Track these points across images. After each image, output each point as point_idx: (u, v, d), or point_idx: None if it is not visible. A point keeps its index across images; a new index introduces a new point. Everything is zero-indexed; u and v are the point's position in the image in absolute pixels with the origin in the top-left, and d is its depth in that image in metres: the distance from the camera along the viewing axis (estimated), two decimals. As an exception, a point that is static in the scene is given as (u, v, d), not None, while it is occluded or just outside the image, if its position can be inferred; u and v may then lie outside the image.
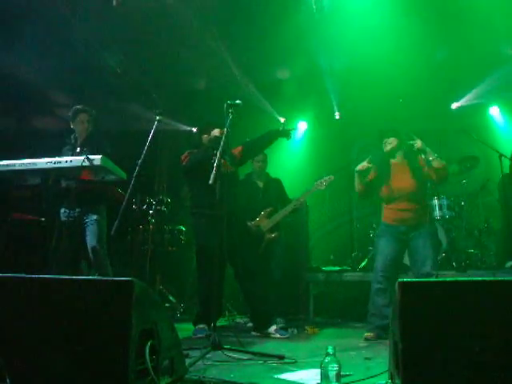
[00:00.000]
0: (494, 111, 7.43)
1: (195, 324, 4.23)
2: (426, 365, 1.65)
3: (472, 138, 5.72)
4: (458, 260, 5.42)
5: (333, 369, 2.08)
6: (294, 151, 7.67)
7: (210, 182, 3.23)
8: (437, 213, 5.60)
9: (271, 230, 4.88)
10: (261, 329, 4.19)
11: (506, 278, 1.75)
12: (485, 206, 6.21)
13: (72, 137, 4.31)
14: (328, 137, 7.49)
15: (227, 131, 3.53)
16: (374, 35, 5.49)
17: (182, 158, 4.34)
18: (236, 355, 3.06)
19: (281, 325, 4.39)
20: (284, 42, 5.70)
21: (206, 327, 4.08)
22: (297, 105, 7.22)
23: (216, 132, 4.16)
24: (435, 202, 5.64)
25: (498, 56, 6.22)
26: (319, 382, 2.16)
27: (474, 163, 5.91)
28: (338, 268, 5.71)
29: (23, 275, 2.07)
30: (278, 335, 4.09)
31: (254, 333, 4.25)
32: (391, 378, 2.04)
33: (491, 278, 1.76)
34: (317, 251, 6.51)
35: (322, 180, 4.90)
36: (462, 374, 1.62)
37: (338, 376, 2.09)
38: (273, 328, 4.13)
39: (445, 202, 5.64)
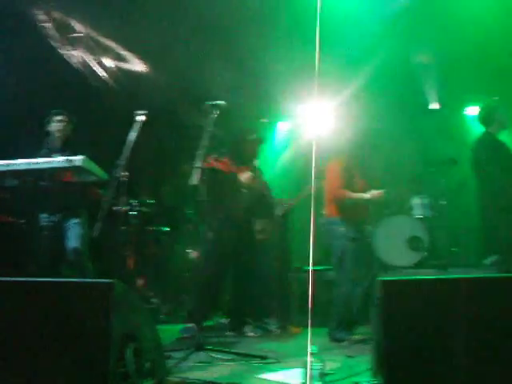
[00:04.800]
0: (471, 111, 7.54)
1: (185, 322, 4.27)
2: (408, 363, 1.66)
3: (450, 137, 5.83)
4: (439, 258, 5.49)
5: (316, 368, 2.09)
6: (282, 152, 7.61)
7: (193, 182, 3.22)
8: (418, 212, 5.65)
9: (261, 232, 4.89)
10: (236, 328, 4.26)
11: (483, 275, 1.77)
12: (465, 204, 6.29)
13: (48, 140, 4.23)
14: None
15: (210, 131, 3.50)
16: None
17: None
18: (219, 356, 3.06)
19: (263, 324, 4.43)
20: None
21: (195, 326, 4.09)
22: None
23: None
24: (415, 201, 5.69)
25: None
26: (302, 381, 2.17)
27: (452, 164, 6.00)
28: (321, 267, 5.74)
29: (4, 278, 2.03)
30: (253, 334, 4.15)
31: (229, 333, 4.28)
32: (374, 375, 2.05)
33: (470, 276, 1.78)
34: (301, 251, 6.52)
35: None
36: (444, 372, 1.63)
37: (322, 375, 2.10)
38: (248, 327, 4.19)
39: (426, 201, 5.69)
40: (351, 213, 4.22)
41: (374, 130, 4.53)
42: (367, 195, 4.20)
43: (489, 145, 4.48)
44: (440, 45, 5.99)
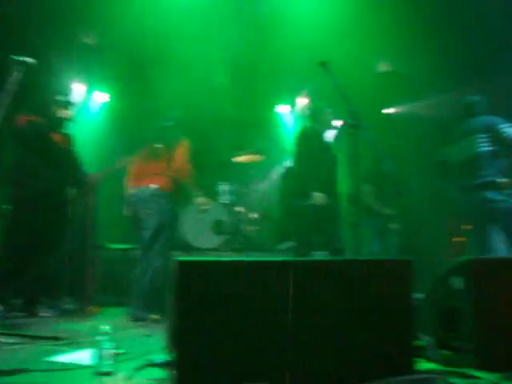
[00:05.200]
0: (282, 109, 8.22)
1: None
2: (199, 341, 1.74)
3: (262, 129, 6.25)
4: (238, 242, 5.89)
5: (108, 347, 2.07)
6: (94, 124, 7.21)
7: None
8: (223, 197, 5.96)
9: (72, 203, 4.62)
10: (27, 308, 3.99)
11: (276, 258, 1.95)
12: (267, 192, 6.86)
13: None
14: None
15: (12, 90, 3.13)
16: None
17: None
18: (4, 339, 2.80)
19: (58, 303, 4.22)
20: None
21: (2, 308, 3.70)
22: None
23: None
24: (222, 187, 6.00)
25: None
26: (93, 361, 2.13)
27: (260, 154, 6.47)
28: (124, 246, 5.66)
29: None
30: (46, 314, 3.95)
31: (19, 313, 3.98)
32: (167, 354, 2.12)
33: (265, 259, 1.94)
34: (105, 228, 6.29)
35: (123, 159, 4.78)
36: (235, 351, 1.75)
37: (113, 354, 2.09)
38: (42, 307, 3.97)
39: (232, 188, 6.04)
40: (179, 192, 4.30)
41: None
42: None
43: (304, 134, 4.83)
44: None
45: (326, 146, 4.63)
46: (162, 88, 5.91)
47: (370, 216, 5.83)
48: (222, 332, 1.75)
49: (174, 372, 1.70)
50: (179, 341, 1.76)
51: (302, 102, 7.76)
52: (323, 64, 3.16)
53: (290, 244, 6.12)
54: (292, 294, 1.80)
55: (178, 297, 1.72)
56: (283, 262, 1.87)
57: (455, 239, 6.43)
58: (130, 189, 4.27)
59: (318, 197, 4.35)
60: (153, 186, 4.15)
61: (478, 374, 1.88)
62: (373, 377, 1.76)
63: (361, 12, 5.75)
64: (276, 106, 8.11)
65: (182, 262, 1.72)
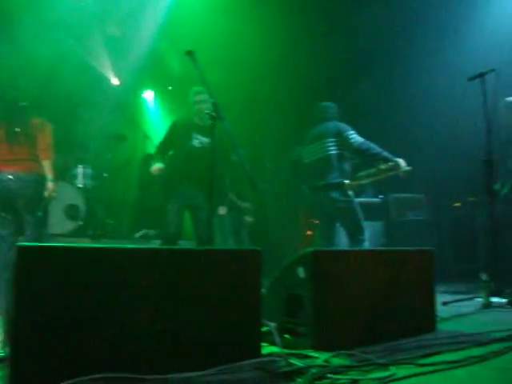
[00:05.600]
0: (148, 95, 8.04)
1: None
2: (38, 335, 1.61)
3: (124, 115, 6.05)
4: (95, 228, 5.63)
5: None
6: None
7: None
8: (80, 181, 5.64)
9: None
10: None
11: (133, 246, 1.89)
12: (125, 180, 6.65)
13: None
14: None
15: None
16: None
17: None
18: None
19: None
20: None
21: None
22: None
23: None
24: (79, 170, 5.66)
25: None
26: None
27: (121, 140, 6.25)
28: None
29: None
30: None
31: None
32: (3, 347, 1.95)
33: (121, 246, 1.87)
34: None
35: None
36: (73, 342, 1.65)
37: None
38: None
39: (89, 172, 5.73)
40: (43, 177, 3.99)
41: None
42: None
43: (172, 125, 4.70)
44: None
45: (197, 139, 4.48)
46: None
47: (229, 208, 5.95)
48: (64, 323, 1.65)
49: (8, 369, 1.57)
50: (14, 335, 1.61)
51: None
52: (190, 53, 3.16)
53: (147, 232, 6.05)
54: (145, 282, 1.78)
55: (16, 286, 1.59)
56: (133, 250, 1.83)
57: (308, 233, 6.95)
58: None
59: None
60: (24, 171, 3.85)
61: (314, 354, 2.06)
62: (224, 362, 1.81)
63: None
64: (142, 92, 7.91)
65: (21, 248, 1.58)
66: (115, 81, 7.37)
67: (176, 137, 4.41)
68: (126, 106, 7.30)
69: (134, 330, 1.73)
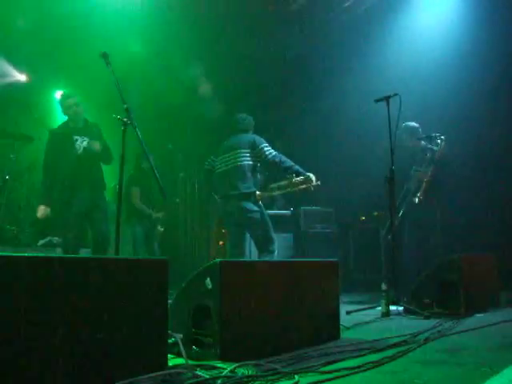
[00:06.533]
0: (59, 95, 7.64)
1: None
2: None
3: (33, 115, 5.74)
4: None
5: None
6: None
7: None
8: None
9: None
10: None
11: (28, 254, 1.75)
12: (30, 184, 6.24)
13: None
14: None
15: None
16: None
17: None
18: None
19: None
20: None
21: None
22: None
23: None
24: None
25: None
26: None
27: (27, 141, 5.89)
28: None
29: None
30: None
31: None
32: None
33: (19, 254, 1.73)
34: None
35: None
36: None
37: None
38: None
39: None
40: None
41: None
42: None
43: (50, 135, 4.61)
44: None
45: (78, 141, 4.47)
46: None
47: (139, 218, 5.78)
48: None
49: None
50: None
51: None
52: (104, 55, 3.07)
53: (51, 239, 5.75)
54: (42, 293, 1.66)
55: None
56: (28, 258, 1.69)
57: (220, 242, 6.94)
58: None
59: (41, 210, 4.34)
60: None
61: (221, 365, 2.05)
62: (128, 376, 1.74)
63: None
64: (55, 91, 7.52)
65: None
66: (22, 77, 6.95)
67: (57, 146, 4.48)
68: (34, 105, 6.90)
69: (32, 343, 1.61)
